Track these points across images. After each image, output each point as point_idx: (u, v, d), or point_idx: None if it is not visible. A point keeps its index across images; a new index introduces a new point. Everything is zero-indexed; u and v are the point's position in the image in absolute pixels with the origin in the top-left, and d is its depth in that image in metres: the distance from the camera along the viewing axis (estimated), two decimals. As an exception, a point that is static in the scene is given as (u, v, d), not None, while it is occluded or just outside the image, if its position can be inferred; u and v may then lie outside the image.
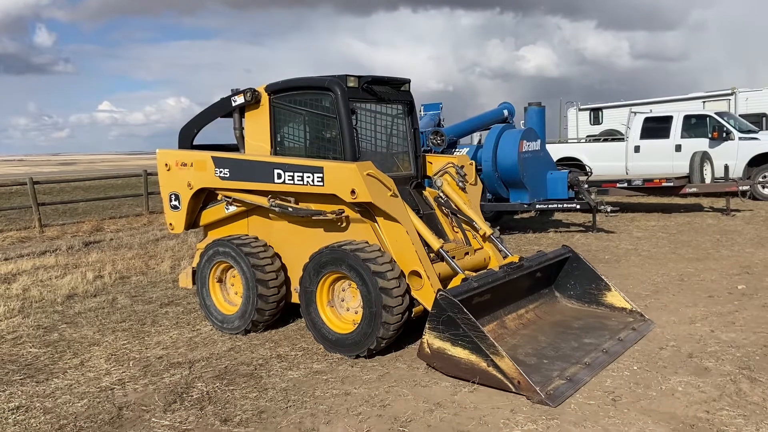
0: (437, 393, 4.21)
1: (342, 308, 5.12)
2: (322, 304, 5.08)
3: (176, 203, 6.13)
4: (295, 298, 5.59)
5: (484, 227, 5.77)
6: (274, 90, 5.62)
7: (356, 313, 5.00)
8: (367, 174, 4.81)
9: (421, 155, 6.02)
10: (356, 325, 4.86)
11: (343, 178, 4.89)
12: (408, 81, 5.80)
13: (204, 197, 6.11)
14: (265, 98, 5.67)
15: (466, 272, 5.04)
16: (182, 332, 5.86)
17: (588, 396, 4.06)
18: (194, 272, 6.09)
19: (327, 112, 5.37)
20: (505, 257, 5.63)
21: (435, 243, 5.17)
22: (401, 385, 4.38)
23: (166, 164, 6.12)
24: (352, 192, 4.84)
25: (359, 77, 5.31)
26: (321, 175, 5.01)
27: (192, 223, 6.22)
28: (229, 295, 5.89)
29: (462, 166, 6.03)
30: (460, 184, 5.96)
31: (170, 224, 6.30)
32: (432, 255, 5.14)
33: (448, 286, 4.63)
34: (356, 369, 4.71)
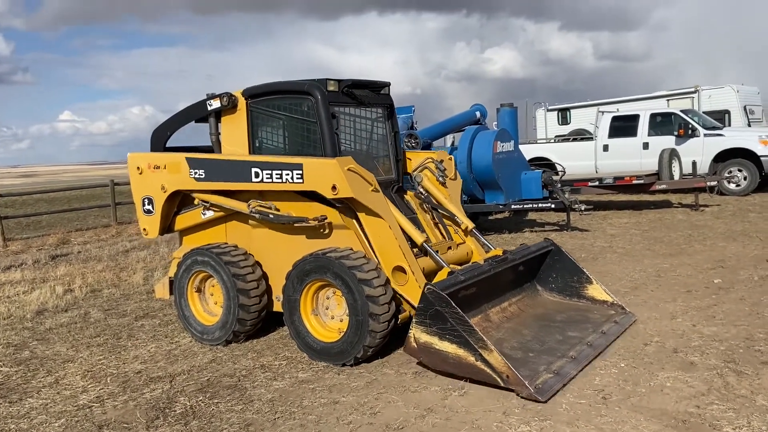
0: (427, 398, 4.16)
1: (326, 316, 5.03)
2: (306, 312, 4.98)
3: (150, 207, 5.96)
4: (277, 307, 5.48)
5: (466, 221, 5.79)
6: (251, 94, 5.51)
7: (341, 321, 4.92)
8: (348, 169, 4.74)
9: (402, 159, 5.98)
10: (342, 334, 4.78)
11: (324, 173, 4.80)
12: (388, 84, 5.75)
13: (178, 201, 5.97)
14: (242, 103, 5.56)
15: (452, 266, 5.00)
16: (160, 345, 5.70)
17: (578, 395, 4.05)
18: (171, 282, 5.94)
19: (307, 116, 5.29)
20: (487, 251, 5.64)
21: (418, 237, 5.14)
22: (390, 391, 4.31)
23: (138, 167, 5.95)
24: (333, 188, 4.75)
25: (339, 81, 5.24)
26: (300, 171, 4.91)
27: (167, 227, 6.06)
28: (209, 306, 5.75)
29: (441, 161, 6.04)
30: (440, 178, 5.97)
31: (144, 229, 6.11)
32: (415, 250, 5.11)
33: (434, 280, 4.57)
34: (343, 377, 4.63)
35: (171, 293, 5.98)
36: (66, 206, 21.20)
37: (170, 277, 5.98)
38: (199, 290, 5.75)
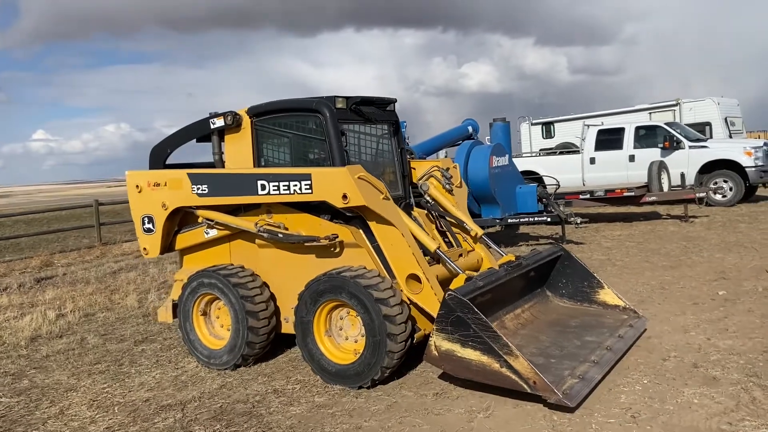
0: (452, 421, 4.06)
1: (340, 337, 4.90)
2: (320, 334, 4.85)
3: (150, 226, 5.80)
4: (285, 328, 5.36)
5: (475, 228, 5.76)
6: (256, 113, 5.41)
7: (356, 341, 4.80)
8: (359, 177, 4.66)
9: (408, 175, 5.92)
10: (358, 355, 4.66)
11: (334, 182, 4.71)
12: (394, 101, 5.70)
13: (179, 219, 5.82)
14: (246, 121, 5.45)
15: (467, 272, 4.92)
16: (165, 371, 5.51)
17: (606, 414, 3.98)
18: (175, 305, 5.77)
19: (314, 134, 5.21)
20: (498, 258, 5.59)
21: (431, 244, 5.07)
22: (413, 414, 4.20)
23: (137, 186, 5.81)
24: (344, 196, 4.66)
25: (347, 98, 5.17)
26: (309, 182, 4.81)
27: (167, 246, 5.91)
28: (215, 329, 5.58)
29: (447, 169, 6.03)
30: (447, 186, 5.94)
31: (144, 249, 5.94)
32: (427, 258, 5.03)
33: (451, 286, 4.48)
34: (361, 400, 4.51)
35: (174, 316, 5.81)
36: (46, 227, 20.76)
37: (174, 300, 5.81)
38: (204, 313, 5.59)
